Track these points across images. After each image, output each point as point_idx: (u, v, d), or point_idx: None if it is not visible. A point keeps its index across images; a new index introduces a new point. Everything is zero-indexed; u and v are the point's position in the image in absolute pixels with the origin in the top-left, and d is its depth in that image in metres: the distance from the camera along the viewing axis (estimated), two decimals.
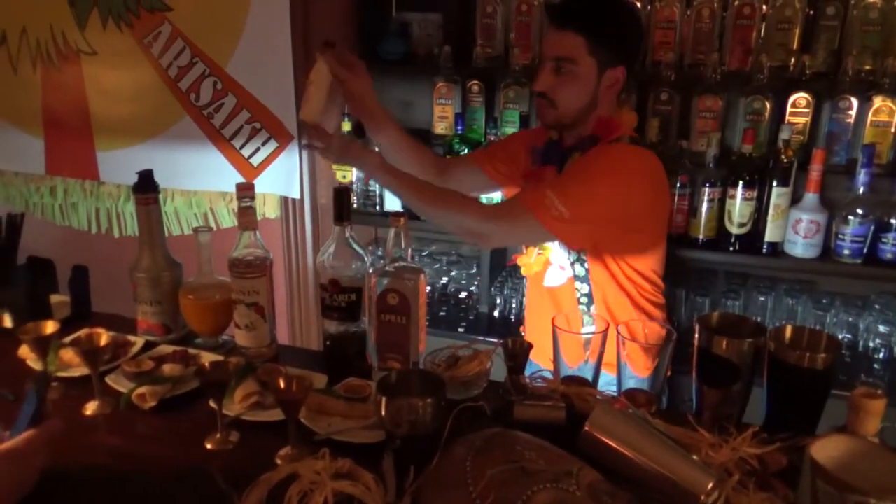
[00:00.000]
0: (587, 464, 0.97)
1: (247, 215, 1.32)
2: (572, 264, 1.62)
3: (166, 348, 1.37)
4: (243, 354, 1.36)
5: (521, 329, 1.91)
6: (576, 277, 1.63)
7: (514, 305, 2.53)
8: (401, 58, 2.50)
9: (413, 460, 1.04)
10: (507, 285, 2.55)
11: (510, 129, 2.36)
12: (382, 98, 2.56)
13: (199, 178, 2.33)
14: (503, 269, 2.64)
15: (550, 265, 1.66)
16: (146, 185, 1.41)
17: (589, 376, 1.22)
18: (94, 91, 2.42)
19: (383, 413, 1.05)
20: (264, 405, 1.19)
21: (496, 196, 2.19)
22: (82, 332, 1.23)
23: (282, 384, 1.08)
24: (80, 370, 1.27)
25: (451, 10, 2.49)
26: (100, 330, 1.22)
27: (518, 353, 1.30)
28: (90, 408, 1.20)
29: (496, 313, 2.54)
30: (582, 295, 1.63)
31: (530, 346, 1.31)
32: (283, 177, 2.28)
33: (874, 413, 1.03)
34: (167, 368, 1.27)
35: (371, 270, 1.29)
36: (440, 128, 2.42)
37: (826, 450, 0.99)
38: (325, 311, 1.33)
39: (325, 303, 1.32)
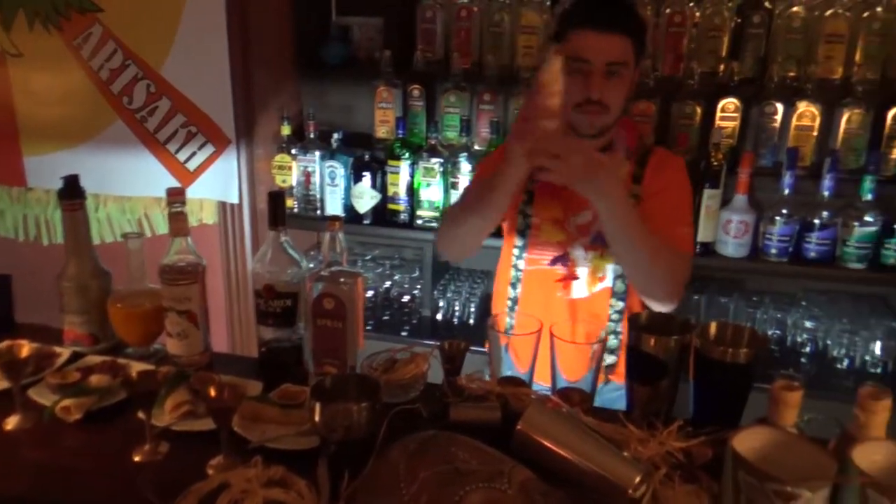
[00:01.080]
0: (521, 463, 0.98)
1: (178, 221, 1.30)
2: (615, 279, 1.60)
3: (94, 359, 1.33)
4: (175, 363, 1.34)
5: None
6: (614, 293, 1.61)
7: (457, 308, 2.54)
8: (342, 62, 2.49)
9: (348, 465, 1.03)
10: (450, 288, 2.57)
11: (451, 134, 2.38)
12: (324, 103, 2.58)
13: (133, 183, 2.27)
14: (446, 272, 2.66)
15: (578, 277, 1.63)
16: (72, 191, 1.37)
17: (588, 387, 1.22)
18: (21, 94, 2.33)
19: (317, 418, 1.05)
20: (196, 414, 1.16)
21: None
22: (3, 344, 1.19)
23: (213, 392, 1.06)
24: (1, 384, 1.22)
25: (392, 14, 2.49)
26: (22, 341, 1.18)
27: (455, 355, 1.31)
28: (11, 422, 1.16)
29: (439, 316, 2.55)
30: (615, 311, 1.62)
31: (467, 348, 1.32)
32: (220, 181, 2.24)
33: (792, 405, 1.07)
34: (94, 380, 1.23)
35: (307, 275, 1.28)
36: (381, 132, 2.42)
37: (747, 441, 1.03)
38: (260, 317, 1.31)
39: (259, 309, 1.31)
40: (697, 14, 2.23)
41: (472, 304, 2.53)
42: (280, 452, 1.09)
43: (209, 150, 2.21)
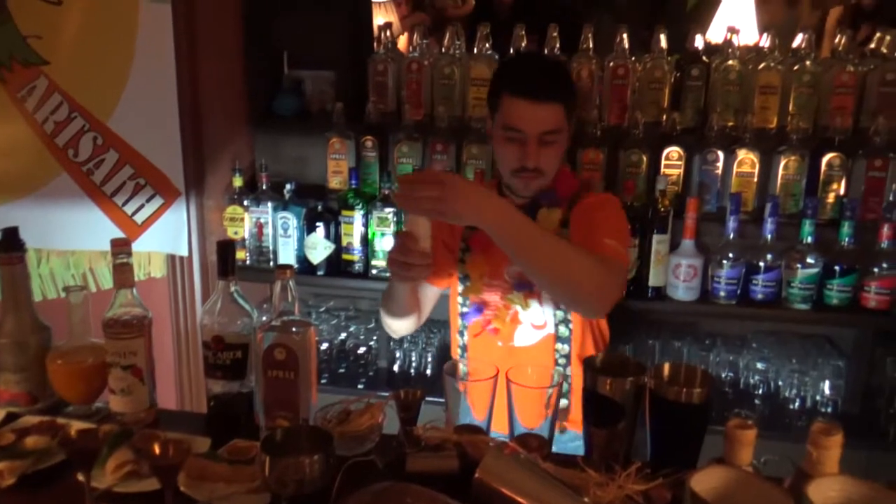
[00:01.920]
0: None
1: (122, 272, 1.26)
2: (557, 324, 1.60)
3: (31, 419, 1.27)
4: (119, 421, 1.28)
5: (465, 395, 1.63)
6: (558, 338, 1.61)
7: (414, 359, 2.52)
8: (294, 114, 2.51)
9: None
10: (407, 338, 2.54)
11: None
12: (277, 154, 2.57)
13: (78, 237, 2.21)
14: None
15: (521, 324, 1.63)
16: (9, 244, 1.32)
17: (546, 433, 1.21)
18: None
19: (267, 473, 1.01)
20: (140, 474, 1.11)
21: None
22: None
23: (157, 450, 1.01)
24: None
25: (344, 67, 2.53)
26: None
27: (411, 404, 1.29)
28: None
29: (396, 368, 2.51)
30: (561, 356, 1.61)
31: (423, 396, 1.30)
32: (169, 234, 2.19)
33: (747, 443, 1.08)
34: (30, 441, 1.17)
35: (258, 326, 1.25)
36: (334, 182, 2.42)
37: (705, 482, 1.03)
38: (208, 370, 1.27)
39: (207, 361, 1.27)
40: (640, 67, 2.33)
41: (430, 354, 2.51)
42: None
43: (158, 202, 2.18)
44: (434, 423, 1.26)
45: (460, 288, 1.69)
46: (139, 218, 2.20)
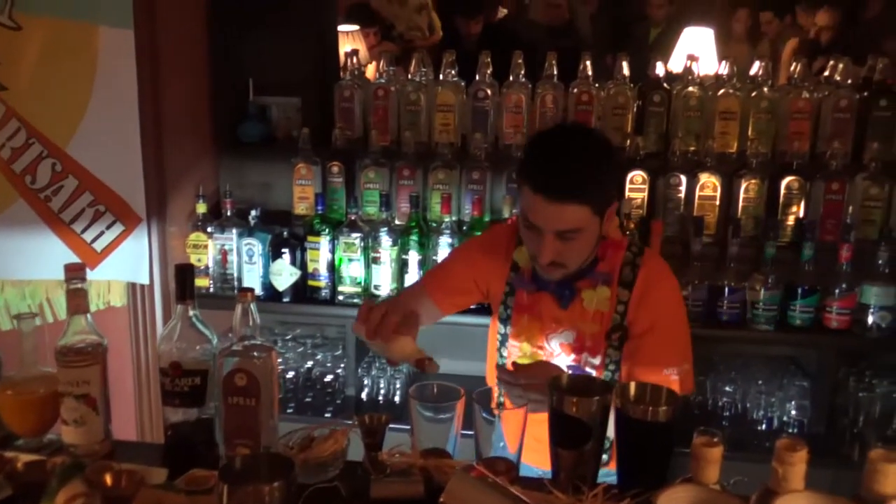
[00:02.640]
0: None
1: (76, 297, 1.22)
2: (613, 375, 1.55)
3: None
4: (72, 453, 1.23)
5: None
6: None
7: (382, 386, 2.48)
8: (260, 140, 2.49)
9: None
10: (375, 366, 2.50)
11: (371, 209, 2.38)
12: (242, 180, 2.55)
13: (35, 266, 2.14)
14: (370, 350, 2.60)
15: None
16: None
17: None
18: None
19: (226, 503, 0.97)
20: None
21: None
22: None
23: (109, 481, 0.98)
24: None
25: (309, 94, 2.52)
26: None
27: (376, 430, 1.26)
28: None
29: (364, 395, 2.48)
30: None
31: (388, 421, 1.27)
32: (130, 262, 2.14)
33: (713, 461, 1.07)
34: None
35: (217, 351, 1.22)
36: (300, 208, 2.40)
37: (672, 500, 1.02)
38: (165, 397, 1.24)
39: (165, 388, 1.23)
40: (603, 93, 2.36)
41: (398, 382, 2.48)
42: None
43: (118, 229, 2.13)
44: (400, 448, 1.24)
45: (501, 328, 1.62)
46: (98, 245, 2.15)
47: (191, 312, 1.23)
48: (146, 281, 2.18)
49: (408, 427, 1.35)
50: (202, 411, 1.25)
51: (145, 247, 2.16)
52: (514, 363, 1.46)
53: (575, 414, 1.14)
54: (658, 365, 1.49)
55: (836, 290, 2.12)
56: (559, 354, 1.56)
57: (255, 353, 1.19)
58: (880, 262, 2.08)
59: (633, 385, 1.20)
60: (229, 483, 0.97)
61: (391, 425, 1.33)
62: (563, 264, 1.44)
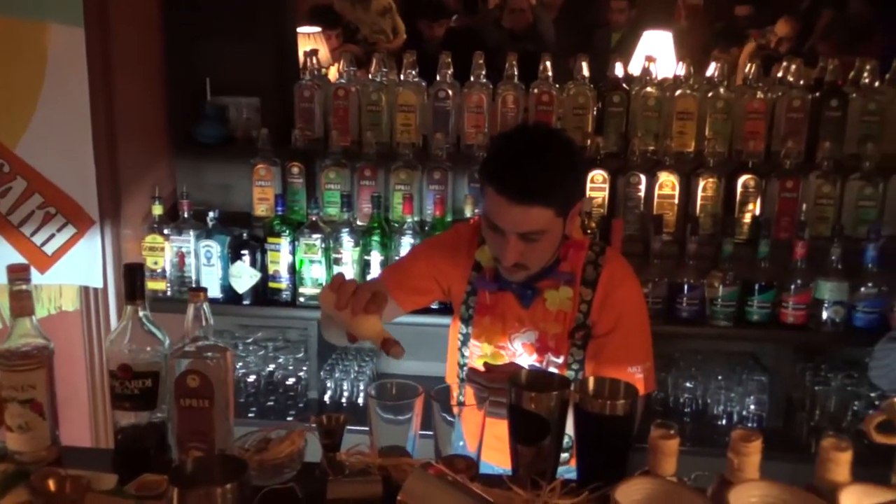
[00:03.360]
0: None
1: (20, 299, 1.18)
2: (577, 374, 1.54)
3: None
4: (16, 461, 1.18)
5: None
6: None
7: (346, 388, 2.45)
8: (218, 141, 2.45)
9: None
10: (338, 368, 2.48)
11: (332, 210, 2.36)
12: (200, 182, 2.51)
13: None
14: (333, 351, 2.57)
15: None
16: None
17: None
18: None
19: None
20: None
21: None
22: None
23: (52, 487, 0.94)
24: None
25: (268, 94, 2.49)
26: None
27: (334, 430, 1.24)
28: None
29: (327, 398, 2.45)
30: None
31: (346, 421, 1.25)
32: (82, 265, 2.08)
33: (670, 453, 1.08)
34: None
35: (169, 352, 1.19)
36: (260, 210, 2.37)
37: (630, 493, 1.02)
38: (115, 400, 1.20)
39: (114, 391, 1.19)
40: (563, 94, 2.38)
41: (361, 384, 2.45)
42: None
43: (70, 231, 2.07)
44: (359, 449, 1.22)
45: (462, 328, 1.61)
46: (49, 249, 2.09)
47: (141, 313, 1.20)
48: (99, 284, 2.13)
49: (364, 428, 1.33)
50: (154, 414, 1.22)
51: (98, 249, 2.11)
52: (485, 364, 1.45)
53: (533, 409, 1.13)
54: (623, 363, 1.49)
55: (792, 286, 2.16)
56: (521, 354, 1.55)
57: (209, 354, 1.16)
58: (833, 258, 2.12)
59: (591, 380, 1.20)
60: (180, 486, 0.95)
61: (352, 427, 1.31)
62: (526, 266, 1.44)
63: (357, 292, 1.20)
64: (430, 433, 1.22)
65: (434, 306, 2.16)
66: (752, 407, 2.35)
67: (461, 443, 1.23)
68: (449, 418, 1.21)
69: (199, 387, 1.15)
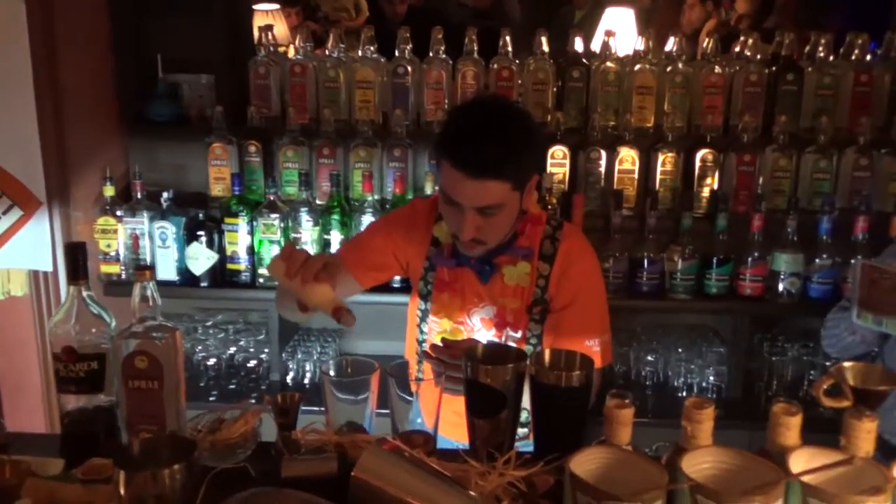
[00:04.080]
0: None
1: None
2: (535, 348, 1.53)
3: None
4: None
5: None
6: None
7: (308, 369, 2.43)
8: (171, 119, 2.38)
9: None
10: (300, 349, 2.45)
11: (291, 189, 2.32)
12: (155, 163, 2.44)
13: None
14: (295, 332, 2.55)
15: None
16: None
17: None
18: None
19: (123, 490, 0.92)
20: None
21: None
22: None
23: None
24: None
25: (223, 71, 2.43)
26: None
27: (289, 408, 1.22)
28: None
29: (289, 380, 2.42)
30: None
31: (301, 399, 1.24)
32: (30, 249, 2.02)
33: (625, 422, 1.08)
34: None
35: (116, 333, 1.16)
36: (217, 189, 2.32)
37: (585, 463, 1.02)
38: (60, 384, 1.16)
39: (59, 375, 1.16)
40: (524, 70, 2.36)
41: (324, 365, 2.43)
42: None
43: (16, 214, 2.00)
44: (314, 427, 1.20)
45: (421, 304, 1.59)
46: None
47: (85, 294, 1.16)
48: (49, 268, 2.06)
49: (317, 409, 1.31)
50: (102, 397, 1.19)
51: (47, 232, 2.04)
52: (444, 339, 1.44)
53: (489, 383, 1.13)
54: (580, 336, 1.50)
55: (749, 259, 2.19)
56: (480, 330, 1.55)
57: (157, 335, 1.13)
58: (789, 230, 2.15)
59: (547, 352, 1.20)
60: (126, 469, 0.92)
61: (312, 407, 1.30)
62: (484, 240, 1.43)
63: (308, 261, 1.18)
64: (388, 412, 1.21)
65: (395, 284, 2.16)
66: (712, 378, 2.39)
67: (419, 420, 1.23)
68: (407, 398, 1.20)
69: (147, 368, 1.12)
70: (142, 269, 1.12)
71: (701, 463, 1.02)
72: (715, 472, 1.03)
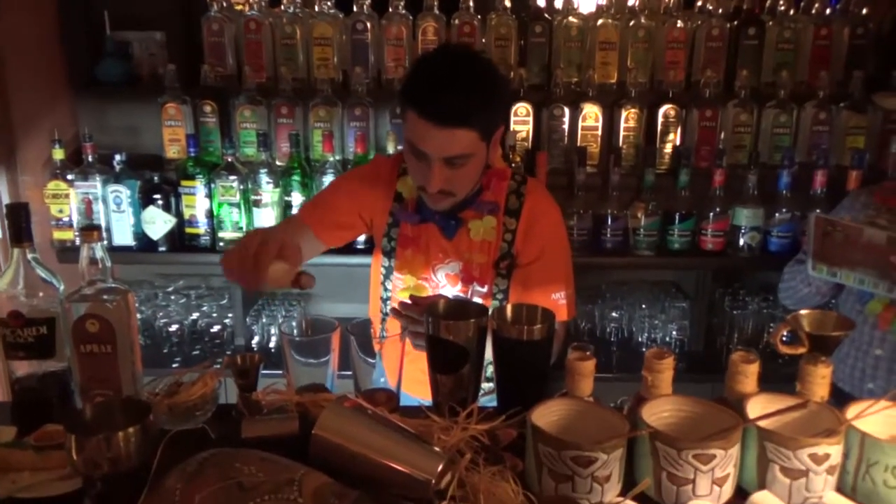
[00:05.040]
0: (322, 470, 0.90)
1: None
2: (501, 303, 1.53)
3: None
4: None
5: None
6: None
7: (273, 334, 2.41)
8: (121, 79, 2.29)
9: (117, 503, 0.90)
10: (265, 313, 2.43)
11: (249, 150, 2.26)
12: (106, 124, 2.36)
13: None
14: (259, 297, 2.51)
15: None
16: None
17: None
18: None
19: (75, 455, 0.90)
20: None
21: None
22: None
23: None
24: None
25: (174, 28, 2.34)
26: None
27: (249, 370, 1.21)
28: None
29: (255, 344, 2.40)
30: None
31: (261, 360, 1.22)
32: None
33: (586, 374, 1.09)
34: None
35: (64, 296, 1.12)
36: (172, 151, 2.25)
37: (546, 415, 1.03)
38: (8, 350, 1.12)
39: (6, 341, 1.12)
40: (486, 25, 2.32)
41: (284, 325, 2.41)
42: (37, 502, 0.93)
43: None
44: (275, 387, 1.19)
45: (384, 261, 1.57)
46: None
47: (30, 256, 1.12)
48: None
49: (277, 372, 1.29)
50: (53, 362, 1.15)
51: None
52: (411, 296, 1.42)
53: (450, 338, 1.12)
54: (547, 290, 1.50)
55: (711, 214, 2.21)
56: (445, 286, 1.54)
57: (108, 297, 1.09)
58: (750, 185, 2.17)
59: (509, 307, 1.20)
60: (77, 433, 0.90)
61: (275, 371, 1.27)
62: (452, 192, 1.40)
63: (261, 248, 1.10)
64: (351, 373, 1.20)
65: (359, 246, 2.14)
66: (675, 333, 2.43)
67: (382, 379, 1.22)
68: (369, 360, 1.18)
69: (99, 332, 1.08)
70: (88, 229, 1.08)
71: (661, 411, 1.04)
72: (675, 421, 1.04)
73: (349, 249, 2.10)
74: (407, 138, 1.38)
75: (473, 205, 1.49)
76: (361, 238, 2.09)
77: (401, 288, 1.54)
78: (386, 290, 1.58)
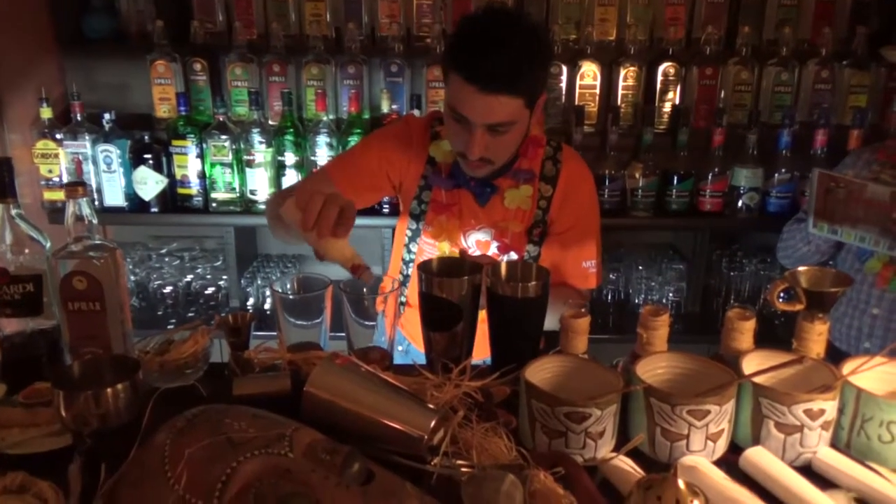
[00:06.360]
0: (314, 428, 0.89)
1: None
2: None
3: None
4: None
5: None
6: None
7: (268, 295, 2.40)
8: (108, 36, 2.24)
9: (108, 459, 0.89)
10: (260, 275, 2.41)
11: (241, 109, 2.22)
12: (93, 82, 2.31)
13: None
14: (254, 258, 2.50)
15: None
16: None
17: None
18: None
19: (64, 411, 0.89)
20: None
21: None
22: None
23: None
24: None
25: None
26: None
27: (240, 328, 1.20)
28: None
29: (249, 306, 2.39)
30: None
31: (253, 318, 1.21)
32: None
33: (581, 331, 1.08)
34: None
35: (51, 253, 1.10)
36: (162, 110, 2.21)
37: (540, 372, 1.02)
38: None
39: None
40: None
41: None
42: (28, 459, 0.92)
43: None
44: (267, 346, 1.18)
45: (412, 223, 1.53)
46: None
47: (14, 211, 1.09)
48: None
49: (271, 333, 1.28)
50: (41, 320, 1.14)
51: None
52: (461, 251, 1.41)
53: (443, 296, 1.11)
54: (578, 258, 1.50)
55: (710, 175, 2.18)
56: (475, 252, 1.51)
57: (94, 254, 1.07)
58: (749, 145, 2.14)
59: (503, 264, 1.18)
60: (65, 389, 0.89)
61: (270, 332, 1.26)
62: (492, 160, 1.36)
63: (323, 213, 1.06)
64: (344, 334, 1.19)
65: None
66: (671, 294, 2.42)
67: (384, 338, 1.20)
68: (362, 321, 1.16)
69: (86, 289, 1.07)
70: (73, 185, 1.05)
71: (656, 368, 1.03)
72: (670, 377, 1.03)
73: None
74: (448, 102, 1.33)
75: (509, 172, 1.46)
76: None
77: (429, 253, 1.52)
78: (410, 252, 1.55)
